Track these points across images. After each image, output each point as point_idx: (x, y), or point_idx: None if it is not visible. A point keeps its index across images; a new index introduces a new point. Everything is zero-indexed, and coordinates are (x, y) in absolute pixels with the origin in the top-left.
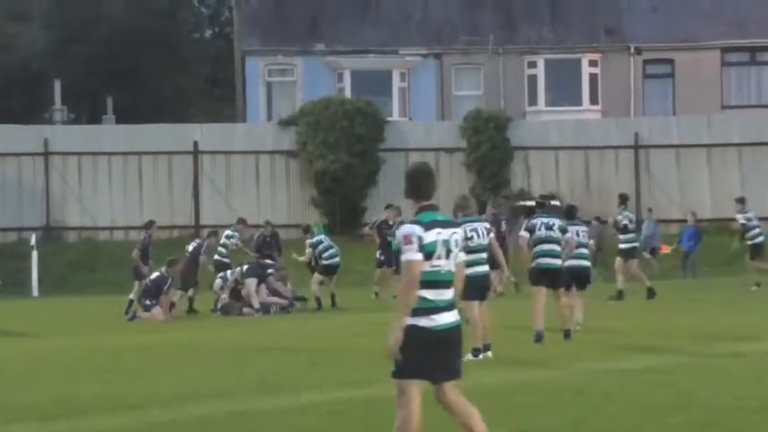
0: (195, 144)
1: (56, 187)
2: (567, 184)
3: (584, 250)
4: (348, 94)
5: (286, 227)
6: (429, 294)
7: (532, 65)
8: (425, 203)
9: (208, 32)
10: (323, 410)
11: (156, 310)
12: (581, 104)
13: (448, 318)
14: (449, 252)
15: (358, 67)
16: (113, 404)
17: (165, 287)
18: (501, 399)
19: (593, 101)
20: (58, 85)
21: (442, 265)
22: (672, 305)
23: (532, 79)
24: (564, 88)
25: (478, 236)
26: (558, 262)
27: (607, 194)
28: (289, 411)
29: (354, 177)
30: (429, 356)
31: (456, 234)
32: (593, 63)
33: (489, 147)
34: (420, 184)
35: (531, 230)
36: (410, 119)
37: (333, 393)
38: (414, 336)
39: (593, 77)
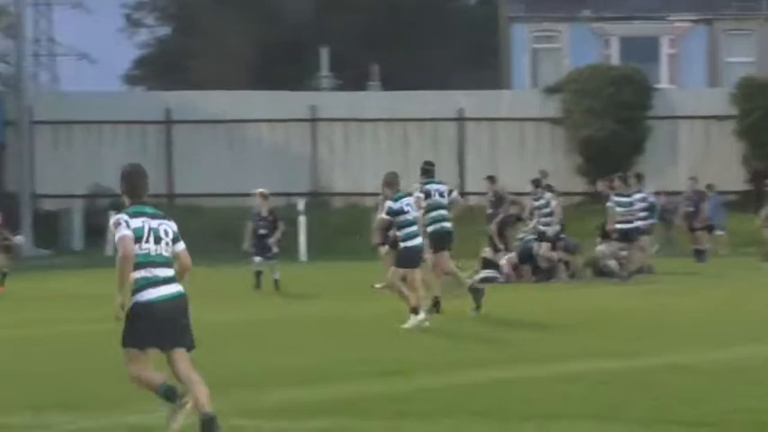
0: (460, 111)
1: (322, 153)
2: None
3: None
4: (615, 60)
5: None
6: (143, 273)
7: None
8: (136, 201)
9: None
10: (591, 380)
11: None
12: None
13: (168, 290)
14: (158, 239)
15: (625, 34)
16: (376, 369)
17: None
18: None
19: None
20: (325, 53)
21: (151, 248)
22: None
23: None
24: None
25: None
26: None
27: None
28: (556, 380)
29: (621, 145)
30: (153, 327)
31: (164, 225)
32: None
33: (762, 114)
34: (135, 184)
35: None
36: (679, 86)
37: (598, 363)
38: (137, 311)
39: None
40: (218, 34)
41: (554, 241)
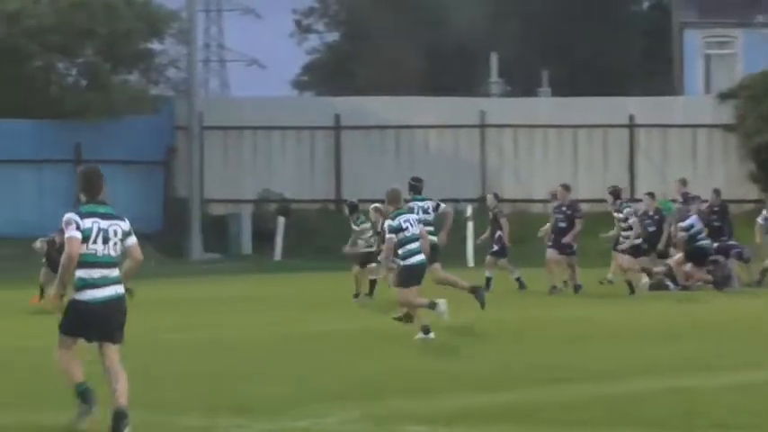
0: (631, 117)
1: (491, 159)
2: None
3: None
4: None
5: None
6: (84, 273)
7: None
8: (90, 200)
9: (645, 4)
10: (763, 391)
11: None
12: None
13: (105, 292)
14: (106, 239)
15: None
16: (546, 376)
17: None
18: None
19: None
20: (494, 59)
21: (99, 249)
22: None
23: None
24: None
25: None
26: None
27: None
28: (726, 390)
29: None
30: (85, 322)
31: (114, 225)
32: None
33: None
34: (92, 183)
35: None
36: None
37: None
38: (75, 307)
39: None
40: (386, 40)
41: (632, 253)
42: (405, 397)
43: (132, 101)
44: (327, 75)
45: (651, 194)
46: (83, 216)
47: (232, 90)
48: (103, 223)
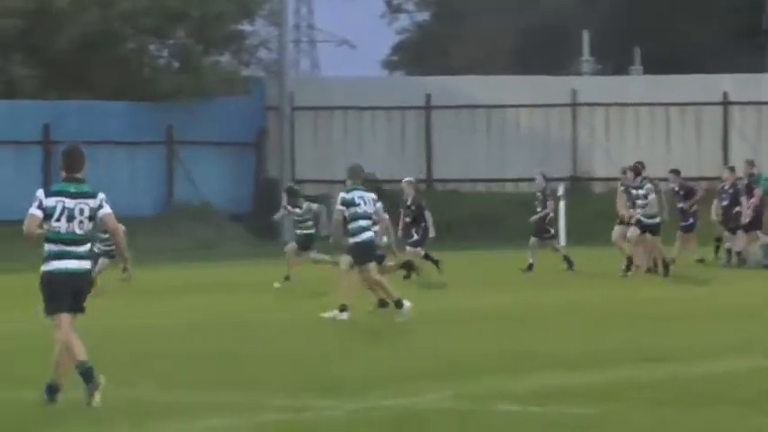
0: (725, 95)
1: (583, 138)
2: None
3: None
4: None
5: None
6: (49, 247)
7: None
8: (68, 176)
9: None
10: None
11: None
12: None
13: (66, 264)
14: (71, 217)
15: None
16: (635, 357)
17: None
18: None
19: None
20: (586, 37)
21: (62, 227)
22: None
23: None
24: None
25: None
26: None
27: None
28: None
29: None
30: (56, 292)
31: (81, 204)
32: None
33: None
34: (73, 160)
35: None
36: None
37: None
38: (45, 279)
39: None
40: (477, 19)
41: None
42: (496, 376)
43: (223, 82)
44: (418, 55)
45: (732, 168)
46: (49, 194)
47: (322, 70)
48: (70, 202)
